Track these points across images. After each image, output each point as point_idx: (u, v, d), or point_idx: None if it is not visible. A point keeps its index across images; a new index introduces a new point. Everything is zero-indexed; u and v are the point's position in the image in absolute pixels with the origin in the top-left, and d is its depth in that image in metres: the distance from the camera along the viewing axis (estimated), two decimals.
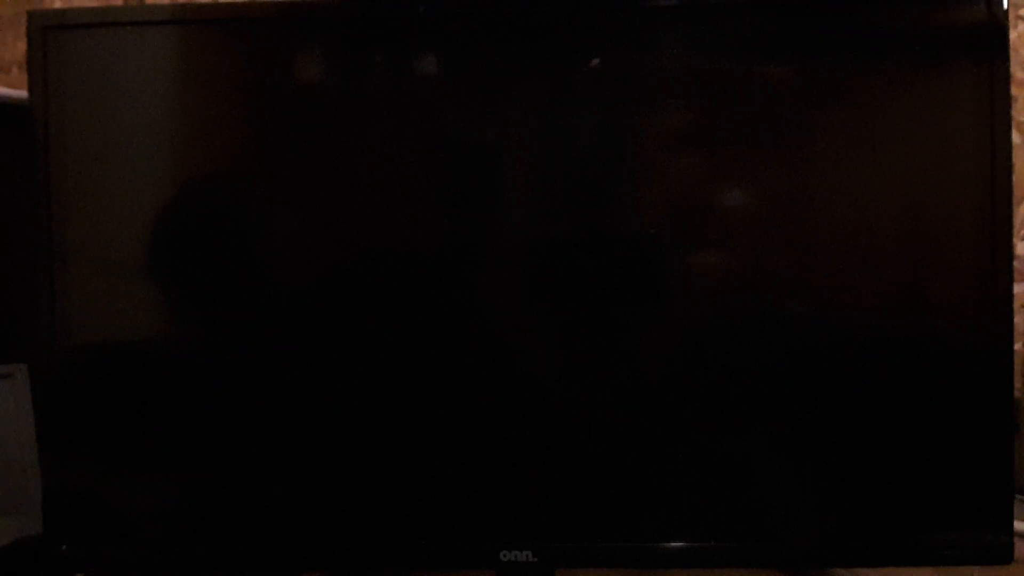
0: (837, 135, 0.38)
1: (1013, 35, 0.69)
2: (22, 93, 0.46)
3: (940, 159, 0.38)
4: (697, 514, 0.37)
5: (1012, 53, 0.57)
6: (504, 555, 0.39)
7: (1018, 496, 0.46)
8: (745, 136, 0.39)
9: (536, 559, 0.39)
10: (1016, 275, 0.68)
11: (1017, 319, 0.49)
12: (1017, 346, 0.51)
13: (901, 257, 0.38)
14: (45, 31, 0.39)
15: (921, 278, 0.38)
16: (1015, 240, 0.70)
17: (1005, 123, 0.37)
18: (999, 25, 0.37)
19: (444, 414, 0.39)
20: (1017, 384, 0.55)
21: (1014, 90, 0.68)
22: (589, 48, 0.38)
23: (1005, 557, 0.38)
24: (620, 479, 0.39)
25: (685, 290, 0.39)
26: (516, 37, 0.39)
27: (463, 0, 0.39)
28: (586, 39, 0.38)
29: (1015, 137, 0.69)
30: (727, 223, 0.39)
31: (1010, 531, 0.38)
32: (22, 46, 0.79)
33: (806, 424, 0.38)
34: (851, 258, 0.38)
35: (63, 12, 0.42)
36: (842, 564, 0.42)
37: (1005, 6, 0.37)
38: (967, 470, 0.38)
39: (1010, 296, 0.37)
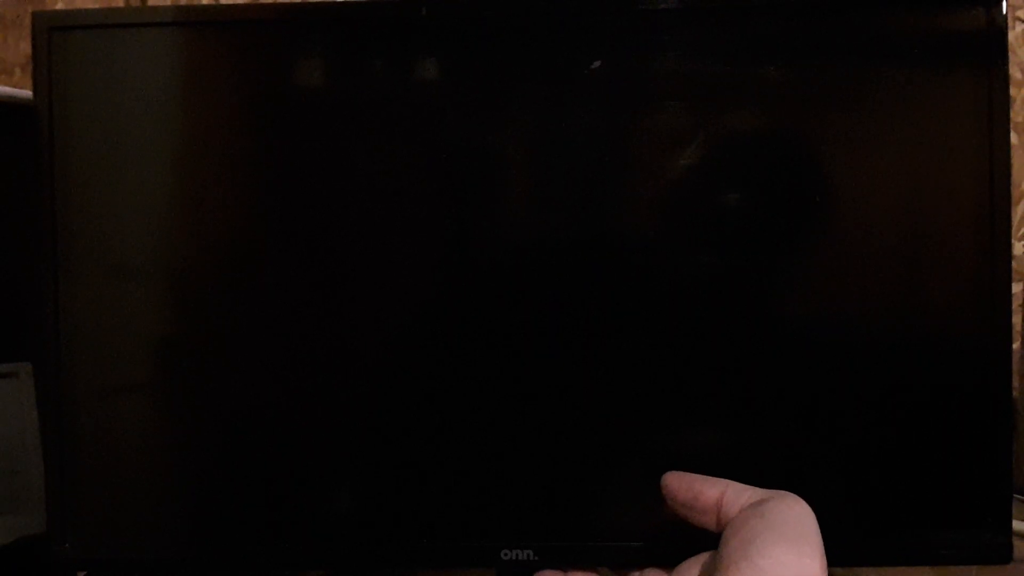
0: (836, 137, 0.38)
1: (1012, 36, 0.69)
2: (27, 93, 0.46)
3: (939, 160, 0.38)
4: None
5: (1011, 54, 0.58)
6: (505, 554, 0.39)
7: (1017, 496, 0.46)
8: (745, 138, 0.39)
9: (537, 558, 0.39)
10: (1014, 275, 0.68)
11: (1015, 319, 0.49)
12: (1015, 346, 0.51)
13: (899, 257, 0.38)
14: (50, 32, 0.39)
15: (919, 278, 0.38)
16: (1013, 240, 0.70)
17: (1004, 124, 0.37)
18: (998, 28, 0.37)
19: (445, 414, 0.40)
20: (1015, 384, 0.55)
21: (1012, 91, 0.68)
22: (593, 50, 0.39)
23: (1004, 557, 0.38)
24: (623, 479, 0.39)
25: (685, 294, 0.39)
26: (521, 38, 0.39)
27: (466, 1, 0.39)
28: (590, 41, 0.39)
29: (1013, 138, 0.69)
30: (728, 225, 0.39)
31: (1009, 531, 0.38)
32: (24, 47, 0.79)
33: (803, 424, 0.39)
34: (849, 259, 0.38)
35: (68, 13, 0.43)
36: (840, 564, 0.42)
37: (1004, 10, 0.37)
38: (966, 470, 0.38)
39: (1008, 296, 0.37)
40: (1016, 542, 0.38)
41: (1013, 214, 0.70)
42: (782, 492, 0.31)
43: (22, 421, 0.51)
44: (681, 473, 0.36)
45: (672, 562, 0.38)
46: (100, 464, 0.41)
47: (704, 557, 0.34)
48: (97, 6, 0.74)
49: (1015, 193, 0.70)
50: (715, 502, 0.33)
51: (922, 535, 0.39)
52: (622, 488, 0.39)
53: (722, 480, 0.33)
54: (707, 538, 0.35)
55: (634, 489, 0.39)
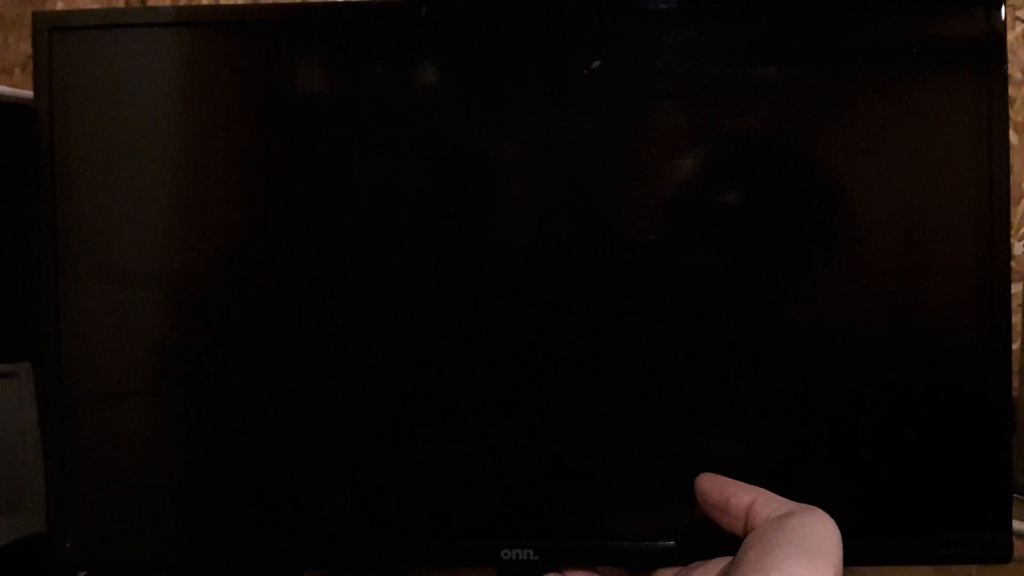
0: (836, 136, 0.38)
1: (1011, 36, 0.69)
2: (27, 93, 0.47)
3: (938, 160, 0.38)
4: (696, 514, 0.38)
5: (1010, 55, 0.58)
6: (505, 553, 0.39)
7: (1017, 496, 0.46)
8: (744, 139, 0.39)
9: (537, 557, 0.39)
10: (1014, 275, 0.68)
11: (1015, 319, 0.49)
12: (1015, 345, 0.51)
13: (899, 257, 0.38)
14: (50, 32, 0.39)
15: (919, 278, 0.38)
16: (1013, 240, 0.70)
17: (1003, 124, 0.37)
18: (997, 29, 0.37)
19: (445, 414, 0.40)
20: (1015, 384, 0.55)
21: (1012, 91, 0.68)
22: (592, 50, 0.39)
23: (1003, 556, 0.38)
24: (623, 479, 0.39)
25: (682, 294, 0.39)
26: (520, 38, 0.39)
27: (466, 2, 0.39)
28: (589, 41, 0.39)
29: (1013, 138, 0.69)
30: (728, 226, 0.39)
31: (1008, 530, 0.38)
32: (24, 47, 0.79)
33: (803, 425, 0.39)
34: (848, 259, 0.38)
35: (68, 13, 0.43)
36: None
37: (1003, 10, 0.37)
38: (966, 470, 0.38)
39: (1008, 296, 0.38)
40: (1016, 542, 0.38)
41: (1013, 214, 0.70)
42: (810, 507, 0.31)
43: (22, 421, 0.51)
44: (715, 475, 0.36)
45: (673, 562, 0.38)
46: (100, 464, 0.41)
47: (720, 563, 0.34)
48: (97, 6, 0.74)
49: (1015, 193, 0.70)
50: (745, 508, 0.33)
51: (922, 534, 0.39)
52: (623, 488, 0.39)
53: (755, 487, 0.34)
54: (710, 539, 0.36)
55: (635, 489, 0.39)
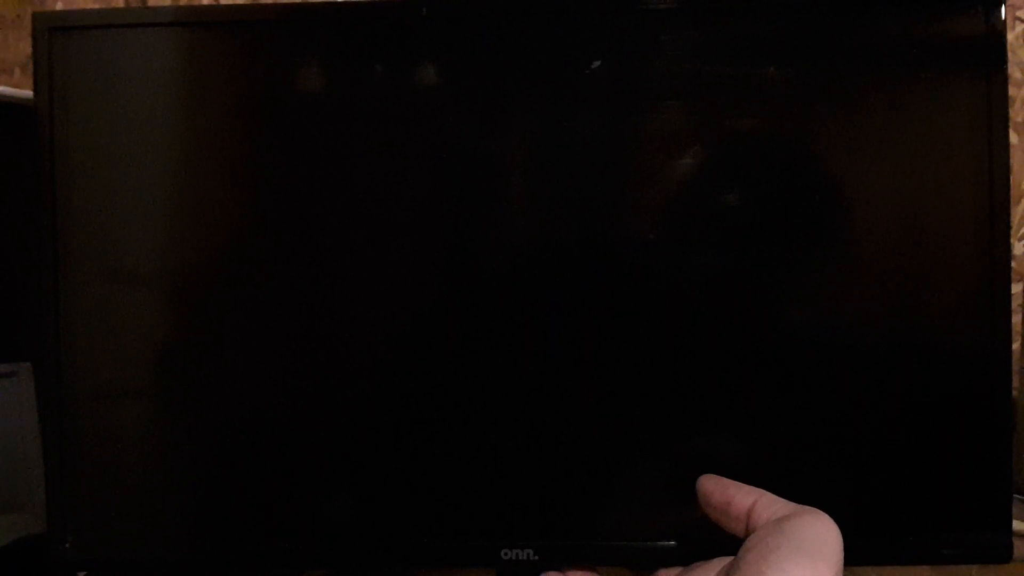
0: (836, 137, 0.38)
1: (1011, 36, 0.69)
2: (27, 93, 0.47)
3: (938, 160, 0.38)
4: (697, 515, 0.38)
5: (1010, 54, 0.58)
6: (505, 553, 0.39)
7: (1017, 496, 0.46)
8: (745, 139, 0.39)
9: (537, 557, 0.39)
10: (1014, 275, 0.68)
11: (1015, 319, 0.49)
12: (1015, 346, 0.51)
13: (899, 258, 0.38)
14: (50, 32, 0.39)
15: (919, 279, 0.38)
16: (1013, 240, 0.70)
17: (1003, 124, 0.37)
18: (997, 29, 0.37)
19: (445, 415, 0.40)
20: (1015, 384, 0.55)
21: (1012, 91, 0.68)
22: (592, 50, 0.39)
23: (1003, 556, 0.38)
24: (623, 479, 0.39)
25: (682, 295, 0.39)
26: (520, 38, 0.39)
27: (466, 2, 0.39)
28: (590, 41, 0.39)
29: (1013, 138, 0.69)
30: (728, 227, 0.39)
31: (1008, 530, 0.38)
32: (24, 47, 0.79)
33: (804, 426, 0.39)
34: (849, 259, 0.38)
35: (68, 13, 0.43)
36: None
37: (1003, 10, 0.37)
38: (966, 470, 0.38)
39: (1008, 296, 0.38)
40: (1016, 542, 0.38)
41: (1013, 214, 0.70)
42: (810, 508, 0.31)
43: (22, 421, 0.51)
44: (717, 477, 0.36)
45: (673, 562, 0.38)
46: (100, 464, 0.41)
47: (721, 563, 0.34)
48: (97, 6, 0.74)
49: (1015, 193, 0.70)
50: (747, 510, 0.33)
51: (923, 535, 0.39)
52: (623, 488, 0.39)
53: (756, 489, 0.34)
54: (711, 539, 0.36)
55: (635, 489, 0.39)
